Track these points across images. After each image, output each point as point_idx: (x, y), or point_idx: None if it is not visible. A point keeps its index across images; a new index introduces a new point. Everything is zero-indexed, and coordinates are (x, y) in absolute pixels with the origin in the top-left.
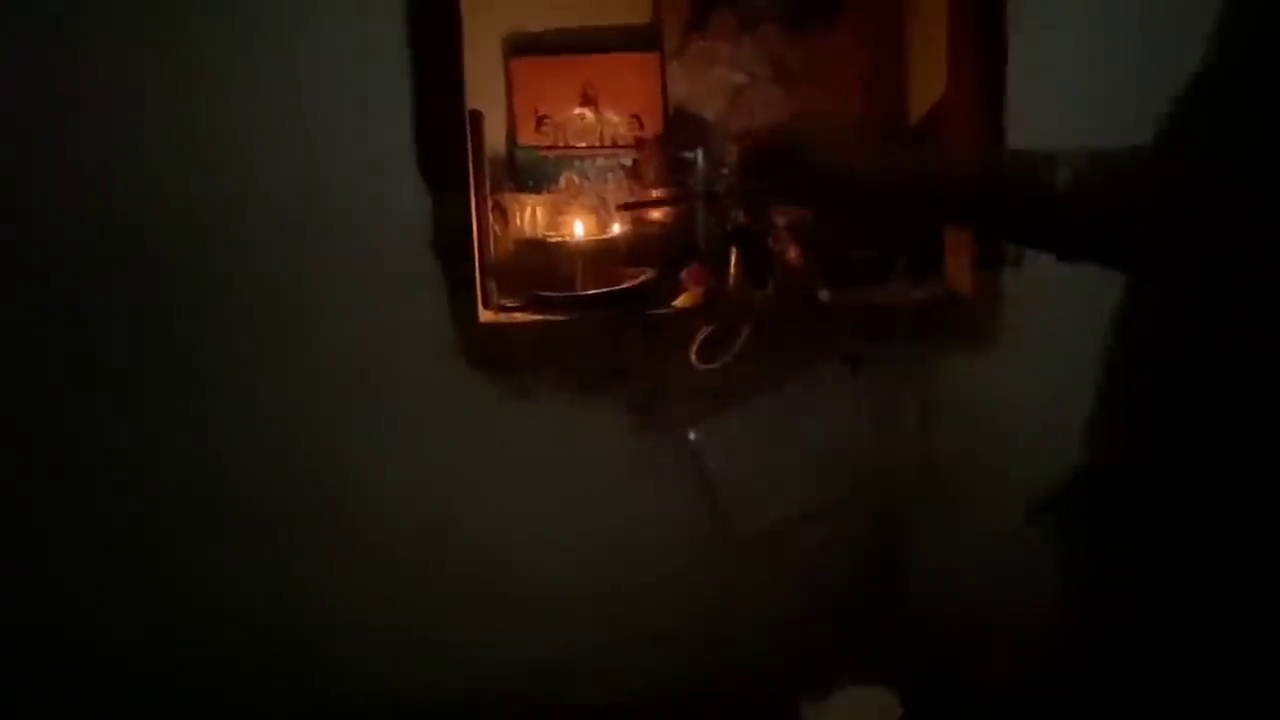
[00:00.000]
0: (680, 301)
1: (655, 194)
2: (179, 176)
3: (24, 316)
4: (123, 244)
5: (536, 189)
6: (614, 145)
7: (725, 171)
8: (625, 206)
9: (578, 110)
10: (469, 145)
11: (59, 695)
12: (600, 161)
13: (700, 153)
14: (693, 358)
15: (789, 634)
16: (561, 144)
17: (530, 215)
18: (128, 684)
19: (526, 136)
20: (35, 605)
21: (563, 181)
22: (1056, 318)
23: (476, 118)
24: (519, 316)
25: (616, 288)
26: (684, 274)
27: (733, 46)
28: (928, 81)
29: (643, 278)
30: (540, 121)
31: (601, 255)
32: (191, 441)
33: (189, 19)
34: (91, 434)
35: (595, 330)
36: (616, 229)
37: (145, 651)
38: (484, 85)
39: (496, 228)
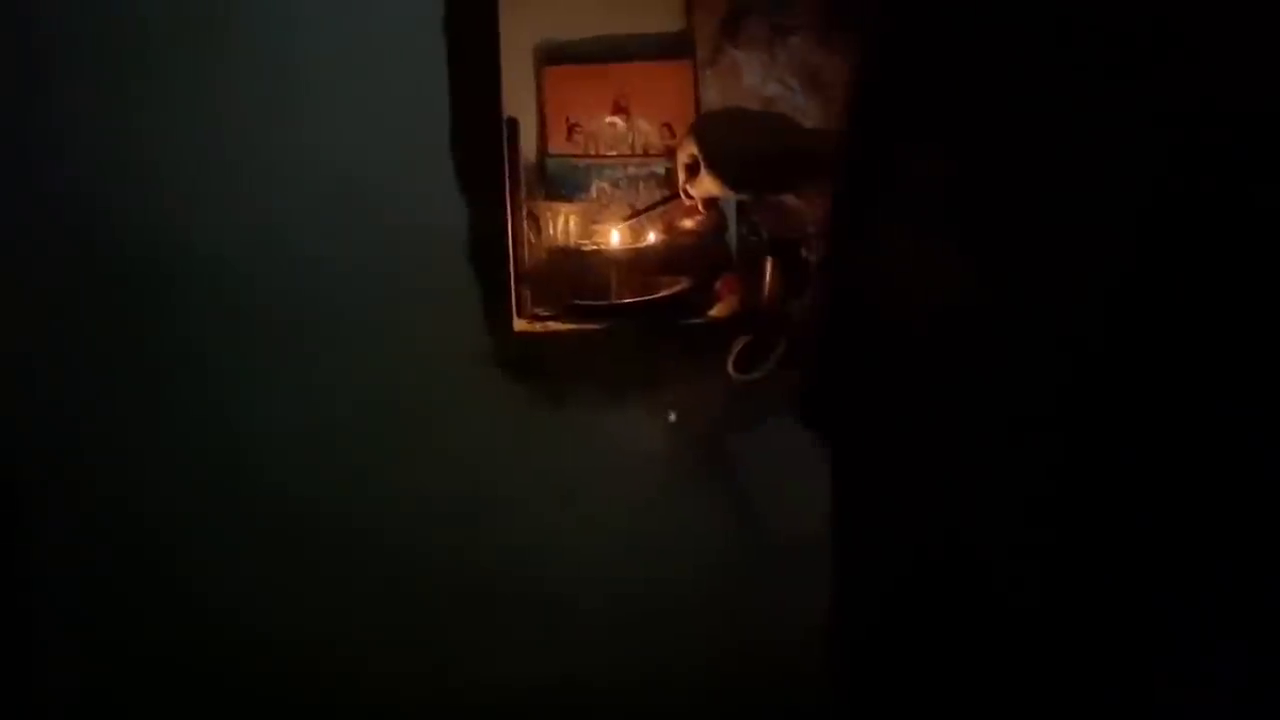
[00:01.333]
0: (716, 311)
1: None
2: (212, 183)
3: (57, 329)
4: (155, 250)
5: (568, 197)
6: (645, 154)
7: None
8: (633, 215)
9: (609, 119)
10: (505, 153)
11: (84, 693)
12: (632, 170)
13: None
14: (729, 368)
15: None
16: (593, 152)
17: (563, 224)
18: (146, 683)
19: (558, 145)
20: (61, 605)
21: (594, 190)
22: None
23: (513, 125)
24: (553, 325)
25: (652, 297)
26: (718, 284)
27: (765, 56)
28: None
29: (678, 287)
30: (571, 130)
31: (636, 264)
32: (220, 448)
33: (224, 26)
34: (118, 437)
35: (630, 340)
36: (652, 238)
37: (165, 652)
38: (516, 93)
39: (530, 236)
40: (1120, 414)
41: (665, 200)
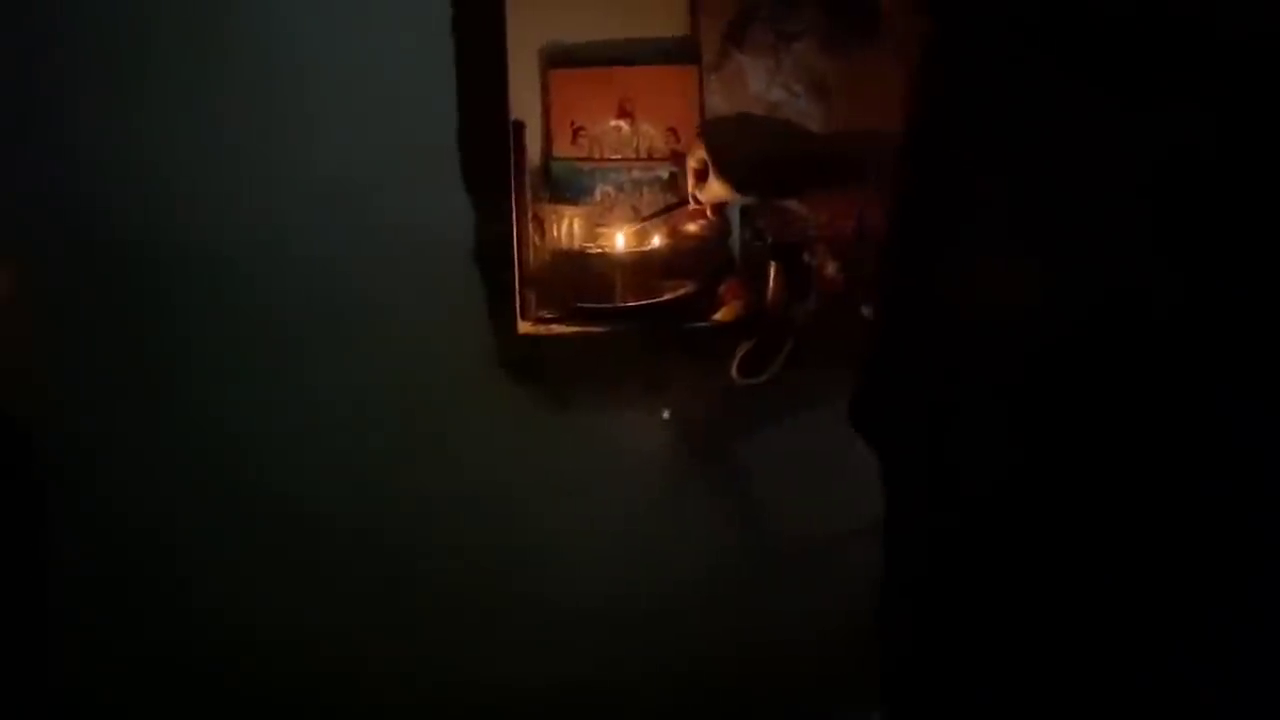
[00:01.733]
0: (720, 315)
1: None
2: (220, 182)
3: (57, 329)
4: (157, 250)
5: (572, 200)
6: (650, 158)
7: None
8: (642, 220)
9: (614, 122)
10: (511, 156)
11: (86, 692)
12: (636, 173)
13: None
14: (733, 372)
15: (827, 652)
16: (597, 156)
17: (568, 227)
18: (146, 682)
19: (562, 148)
20: (62, 604)
21: (598, 193)
22: None
23: (519, 128)
24: (557, 328)
25: (656, 300)
26: (722, 288)
27: (770, 61)
28: None
29: (682, 291)
30: (576, 133)
31: (640, 268)
32: (221, 448)
33: (231, 28)
34: (127, 435)
35: (634, 343)
36: (656, 242)
37: (165, 651)
38: (521, 96)
39: (535, 239)
40: (1187, 429)
41: (674, 206)
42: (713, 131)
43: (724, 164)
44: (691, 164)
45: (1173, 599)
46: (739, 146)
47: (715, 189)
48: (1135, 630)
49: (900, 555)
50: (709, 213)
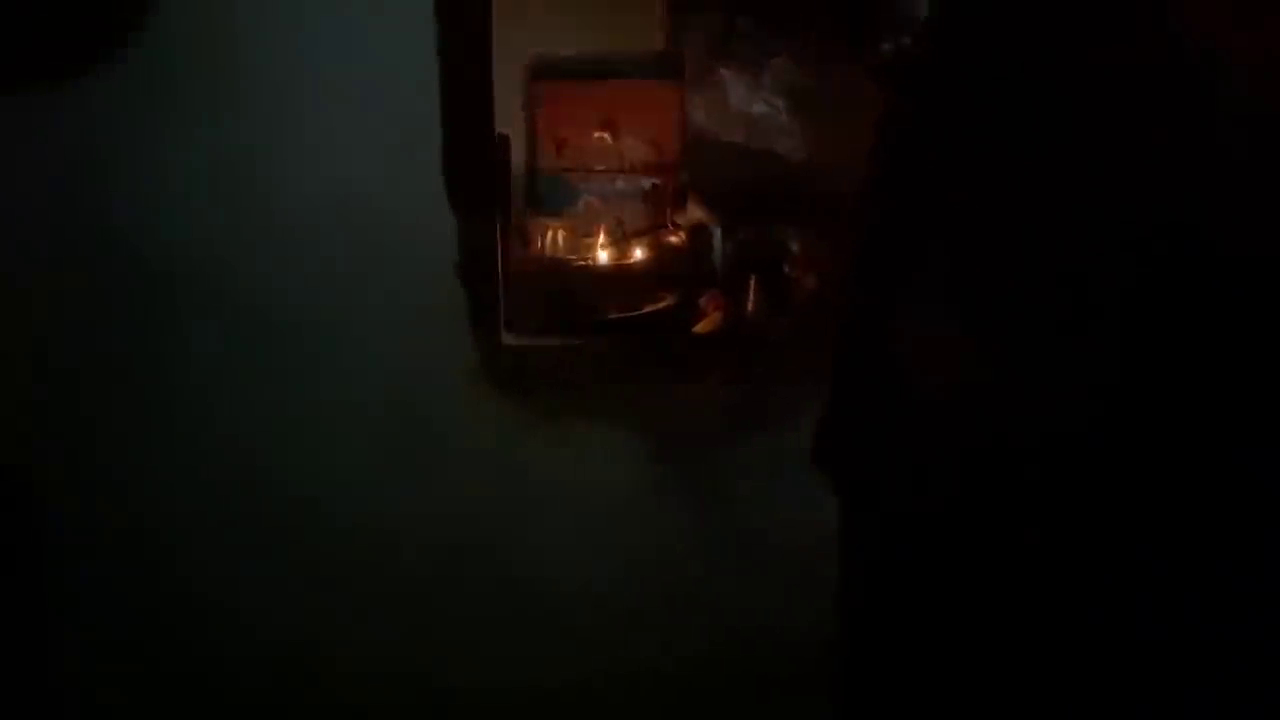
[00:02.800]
0: (700, 328)
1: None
2: (203, 196)
3: (58, 335)
4: (152, 255)
5: (556, 212)
6: (633, 170)
7: None
8: (629, 236)
9: (597, 135)
10: (496, 169)
11: (91, 693)
12: (619, 185)
13: None
14: (713, 383)
15: (806, 655)
16: (581, 168)
17: (551, 238)
18: (149, 682)
19: (546, 160)
20: (65, 606)
21: (582, 205)
22: None
23: (503, 141)
24: (540, 339)
25: (638, 312)
26: (703, 300)
27: (751, 76)
28: None
29: (664, 303)
30: (560, 145)
31: (622, 280)
32: (210, 458)
33: (218, 37)
34: (112, 444)
35: (616, 354)
36: (639, 254)
37: (167, 651)
38: (505, 108)
39: (518, 250)
40: (1117, 491)
41: (654, 229)
42: (693, 160)
43: (704, 192)
44: (671, 186)
45: (1160, 638)
46: (719, 176)
47: (694, 215)
48: (1121, 669)
49: (856, 595)
50: (687, 235)
